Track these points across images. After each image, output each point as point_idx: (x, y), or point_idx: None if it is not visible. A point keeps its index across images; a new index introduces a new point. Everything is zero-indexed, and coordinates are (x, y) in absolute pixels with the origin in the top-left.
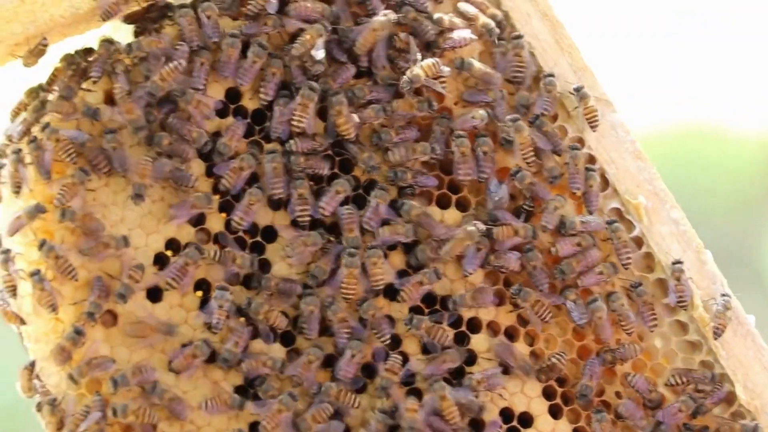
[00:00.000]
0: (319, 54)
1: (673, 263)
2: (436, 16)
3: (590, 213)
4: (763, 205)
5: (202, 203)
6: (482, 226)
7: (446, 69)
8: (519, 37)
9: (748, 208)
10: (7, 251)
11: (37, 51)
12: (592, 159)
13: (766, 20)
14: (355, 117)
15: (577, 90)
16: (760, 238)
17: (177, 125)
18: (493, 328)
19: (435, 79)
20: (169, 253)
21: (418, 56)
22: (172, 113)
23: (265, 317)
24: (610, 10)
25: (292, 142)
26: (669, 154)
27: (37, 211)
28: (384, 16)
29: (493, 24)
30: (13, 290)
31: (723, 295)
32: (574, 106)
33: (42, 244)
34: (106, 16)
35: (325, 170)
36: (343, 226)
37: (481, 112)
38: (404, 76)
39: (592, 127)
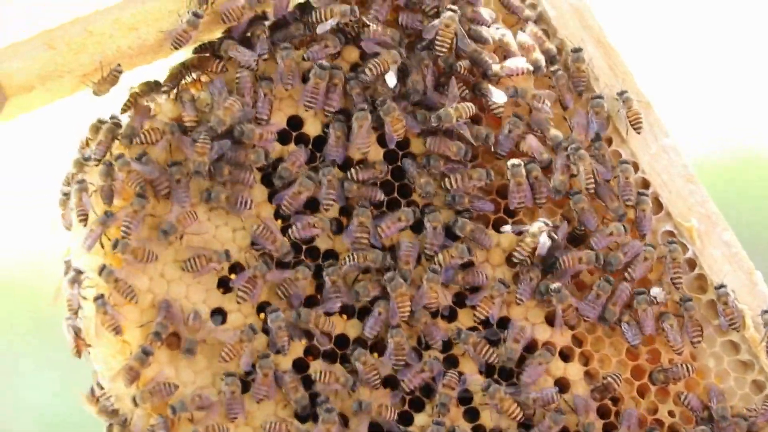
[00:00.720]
0: (392, 81)
1: (717, 288)
2: (498, 33)
3: (642, 237)
4: None
5: (283, 250)
6: (548, 223)
7: (503, 97)
8: (578, 50)
9: None
10: (79, 272)
11: (110, 78)
12: (645, 183)
13: None
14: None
15: (621, 94)
16: None
17: (233, 157)
18: (548, 348)
19: (471, 118)
20: (232, 276)
21: (456, 93)
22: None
23: (315, 324)
24: (660, 38)
25: (353, 170)
26: (720, 182)
27: (108, 218)
28: (449, 11)
29: (543, 61)
30: (75, 311)
31: (765, 312)
32: (617, 109)
33: (102, 269)
34: (177, 44)
35: (379, 197)
36: (401, 257)
37: (547, 155)
38: (435, 113)
39: (635, 130)
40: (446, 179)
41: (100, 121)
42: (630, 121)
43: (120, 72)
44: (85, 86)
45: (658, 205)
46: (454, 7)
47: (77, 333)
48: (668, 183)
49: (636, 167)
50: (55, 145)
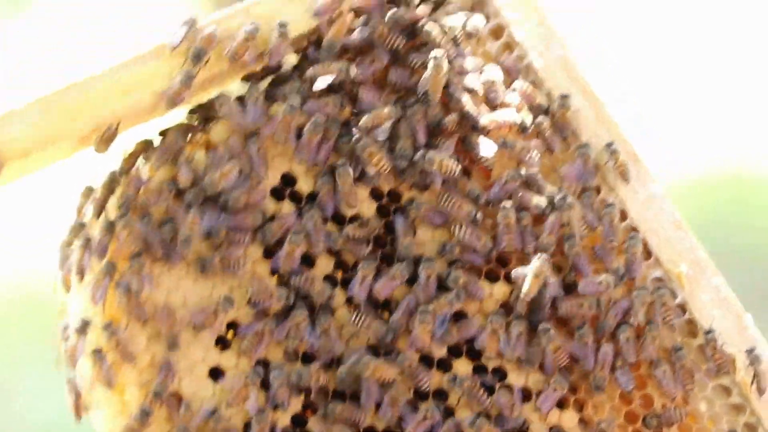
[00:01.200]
0: (382, 135)
1: (706, 333)
2: (486, 76)
3: (632, 279)
4: None
5: (282, 297)
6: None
7: (493, 149)
8: (566, 96)
9: None
10: (86, 323)
11: (107, 137)
12: (635, 230)
13: None
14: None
15: (608, 146)
16: None
17: (231, 222)
18: (563, 375)
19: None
20: (229, 335)
21: (451, 149)
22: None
23: (316, 380)
24: (647, 54)
25: (350, 230)
26: (711, 200)
27: (112, 268)
28: (435, 58)
29: (528, 122)
30: (74, 362)
31: (749, 351)
32: (605, 161)
33: (107, 326)
34: (172, 104)
35: (364, 253)
36: (398, 310)
37: (541, 199)
38: (420, 152)
39: (623, 180)
40: (457, 228)
41: (90, 189)
42: (619, 173)
43: (116, 130)
44: (82, 148)
45: (648, 252)
46: (438, 52)
47: (78, 395)
48: (657, 230)
49: (625, 215)
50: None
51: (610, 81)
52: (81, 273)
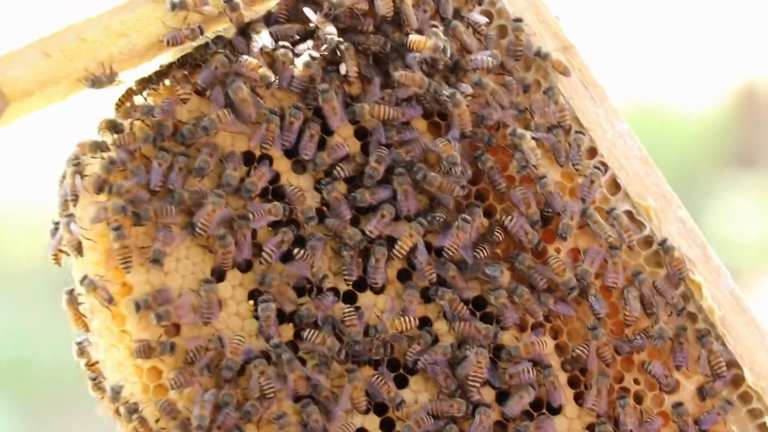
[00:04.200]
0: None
1: (660, 243)
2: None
3: (582, 201)
4: (702, 179)
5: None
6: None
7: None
8: (518, 20)
9: (690, 182)
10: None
11: (107, 78)
12: (604, 166)
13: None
14: None
15: (538, 53)
16: (702, 210)
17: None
18: (521, 326)
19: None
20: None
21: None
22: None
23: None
24: None
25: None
26: None
27: (124, 210)
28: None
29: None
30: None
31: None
32: (542, 71)
33: (83, 279)
34: (173, 43)
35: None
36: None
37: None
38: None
39: (563, 75)
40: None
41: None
42: (558, 71)
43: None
44: (78, 91)
45: (617, 187)
46: None
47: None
48: (626, 166)
49: (594, 152)
50: None
51: None
52: (75, 197)
